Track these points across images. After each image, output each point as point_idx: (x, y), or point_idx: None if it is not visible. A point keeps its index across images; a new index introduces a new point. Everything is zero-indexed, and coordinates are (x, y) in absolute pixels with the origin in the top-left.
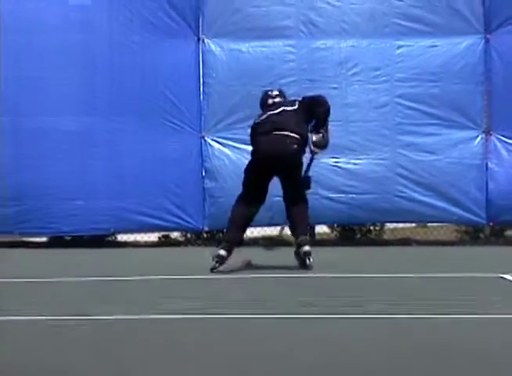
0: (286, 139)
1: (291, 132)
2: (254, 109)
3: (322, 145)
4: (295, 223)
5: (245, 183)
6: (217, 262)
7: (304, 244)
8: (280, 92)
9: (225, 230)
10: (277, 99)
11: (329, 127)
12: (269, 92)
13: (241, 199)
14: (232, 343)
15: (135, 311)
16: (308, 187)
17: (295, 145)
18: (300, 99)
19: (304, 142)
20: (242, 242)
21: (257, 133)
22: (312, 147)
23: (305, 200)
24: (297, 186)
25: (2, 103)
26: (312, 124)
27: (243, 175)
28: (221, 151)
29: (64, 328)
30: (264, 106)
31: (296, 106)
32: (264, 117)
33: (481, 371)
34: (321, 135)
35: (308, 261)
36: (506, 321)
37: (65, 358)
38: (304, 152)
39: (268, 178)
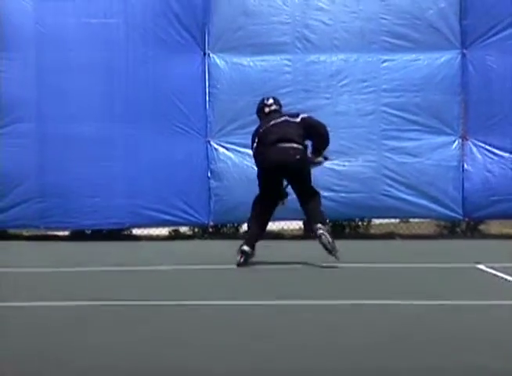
0: (289, 150)
1: (294, 143)
2: (255, 117)
3: (314, 162)
4: (309, 216)
5: (260, 187)
6: (241, 257)
7: (319, 229)
8: (275, 99)
9: (246, 228)
10: (273, 107)
11: (321, 159)
12: (265, 101)
13: (258, 201)
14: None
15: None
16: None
17: (298, 155)
18: (304, 115)
19: (306, 151)
20: (262, 237)
21: (262, 143)
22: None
23: (317, 196)
24: (307, 190)
25: (33, 111)
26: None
27: (244, 176)
28: (224, 154)
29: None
30: (260, 113)
31: (299, 120)
32: (268, 126)
33: (453, 349)
34: (312, 156)
35: (323, 237)
36: (479, 307)
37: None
38: (307, 159)
39: (277, 183)
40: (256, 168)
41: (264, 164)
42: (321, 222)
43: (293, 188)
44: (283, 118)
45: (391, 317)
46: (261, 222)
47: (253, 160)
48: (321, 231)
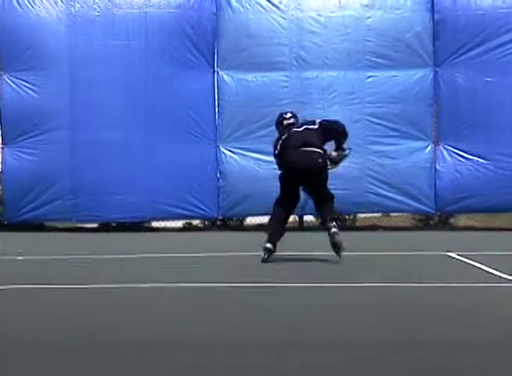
0: (312, 154)
1: (316, 148)
2: (258, 125)
3: (336, 161)
4: (323, 214)
5: (280, 190)
6: (265, 254)
7: (332, 227)
8: (292, 113)
9: (268, 227)
10: (291, 121)
11: (346, 152)
12: (284, 115)
13: (278, 202)
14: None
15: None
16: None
17: (320, 159)
18: (320, 120)
19: (326, 156)
20: (283, 234)
21: (286, 148)
22: (328, 162)
23: (331, 199)
24: (324, 193)
25: (66, 120)
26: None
27: (248, 176)
28: (231, 157)
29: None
30: (279, 126)
31: (316, 126)
32: (289, 133)
33: (429, 323)
34: (337, 154)
35: (335, 237)
36: (450, 288)
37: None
38: (327, 164)
39: (298, 186)
40: (277, 171)
41: (288, 167)
42: (333, 219)
43: (310, 190)
44: (303, 127)
45: (377, 297)
46: (282, 222)
47: (256, 162)
48: (334, 230)
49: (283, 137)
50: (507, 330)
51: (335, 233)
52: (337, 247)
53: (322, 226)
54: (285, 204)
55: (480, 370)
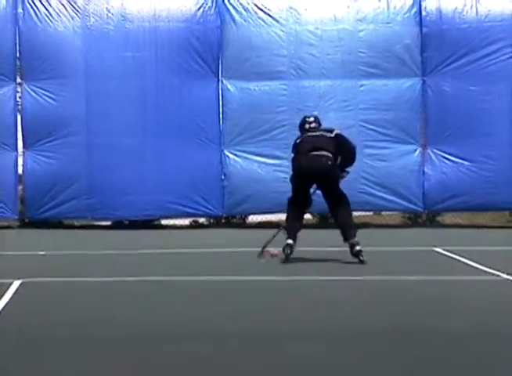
0: (322, 157)
1: (326, 152)
2: (259, 130)
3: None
4: (343, 228)
5: (292, 191)
6: (287, 250)
7: (355, 245)
8: (315, 117)
9: (285, 225)
10: (313, 125)
11: (345, 174)
12: (306, 118)
13: (292, 203)
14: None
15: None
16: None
17: (329, 161)
18: (338, 131)
19: (336, 160)
20: (300, 230)
21: (299, 152)
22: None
23: (347, 204)
24: (337, 194)
25: (83, 126)
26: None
27: (250, 177)
28: (235, 160)
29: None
30: (302, 128)
31: (333, 135)
32: (304, 137)
33: (418, 313)
34: (341, 173)
35: (361, 257)
36: (437, 280)
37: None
38: (337, 166)
39: (309, 187)
40: (290, 173)
41: (299, 170)
42: (354, 236)
43: (323, 194)
44: (319, 132)
45: (369, 289)
46: (297, 220)
47: (257, 164)
48: (358, 248)
49: (298, 141)
50: (486, 320)
51: (359, 251)
52: (360, 260)
53: (345, 241)
54: (297, 204)
55: (463, 359)
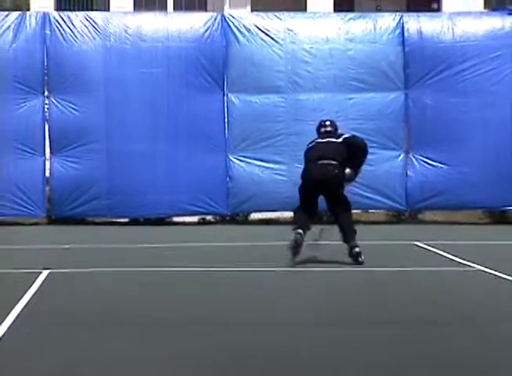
0: (329, 166)
1: (333, 160)
2: (260, 138)
3: (351, 178)
4: (344, 231)
5: (300, 200)
6: (300, 237)
7: (354, 247)
8: (331, 122)
9: (295, 223)
10: (328, 128)
11: (361, 167)
12: (322, 123)
13: (299, 209)
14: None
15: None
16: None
17: (336, 170)
18: (347, 135)
19: (343, 168)
20: (309, 228)
21: (307, 160)
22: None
23: (349, 210)
24: (341, 201)
25: (103, 134)
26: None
27: (252, 179)
28: (238, 164)
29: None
30: (318, 131)
31: (341, 140)
32: (313, 144)
33: (402, 302)
34: (353, 171)
35: (359, 258)
36: (418, 271)
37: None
38: (343, 175)
39: (316, 196)
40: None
41: (307, 178)
42: (354, 239)
43: (327, 200)
44: (327, 139)
45: (356, 280)
46: (307, 218)
47: (258, 168)
48: (357, 250)
49: (309, 146)
50: (462, 307)
51: (358, 253)
52: (359, 263)
53: (345, 243)
54: (304, 211)
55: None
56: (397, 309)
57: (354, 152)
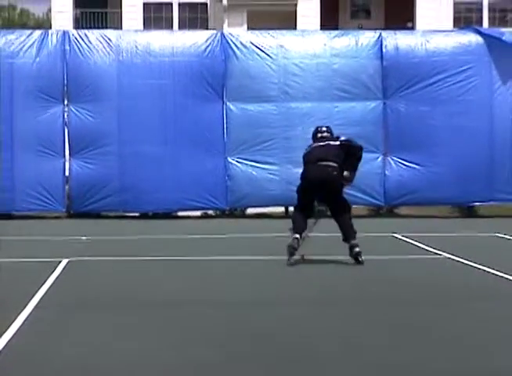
0: (328, 168)
1: (332, 162)
2: (255, 142)
3: (349, 180)
4: (344, 231)
5: (298, 201)
6: (296, 243)
7: (355, 246)
8: (327, 128)
9: (292, 226)
10: (325, 134)
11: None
12: (319, 128)
13: (297, 210)
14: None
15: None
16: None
17: (335, 172)
18: (343, 138)
19: (341, 170)
20: (306, 228)
21: (307, 162)
22: (343, 181)
23: (349, 210)
24: (340, 203)
25: (115, 138)
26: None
27: (248, 178)
28: (236, 165)
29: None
30: (314, 137)
31: (338, 143)
32: (312, 147)
33: (380, 285)
34: (350, 173)
35: (359, 258)
36: (392, 260)
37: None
38: (342, 177)
39: (314, 198)
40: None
41: (306, 179)
42: (353, 237)
43: (327, 201)
44: (325, 142)
45: (339, 267)
46: (304, 219)
47: (253, 168)
48: (357, 250)
49: (307, 150)
50: (433, 289)
51: (358, 253)
52: (358, 261)
53: (345, 242)
54: (302, 211)
55: (413, 318)
56: (374, 290)
57: (351, 154)
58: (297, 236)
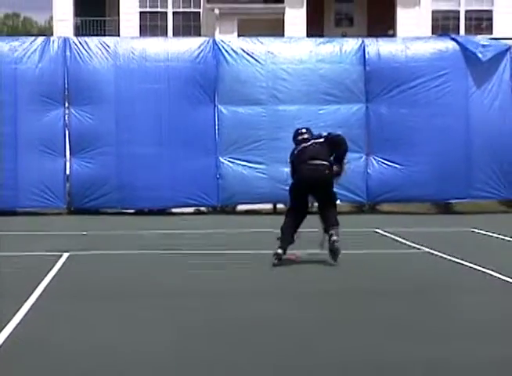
0: (319, 166)
1: (323, 161)
2: (245, 142)
3: (339, 173)
4: (325, 219)
5: (291, 200)
6: (276, 258)
7: (333, 235)
8: (307, 129)
9: (280, 234)
10: (305, 136)
11: (345, 161)
12: (299, 130)
13: (289, 212)
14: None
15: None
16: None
17: (326, 170)
18: (325, 134)
19: (331, 166)
20: (293, 242)
21: (297, 162)
22: (334, 176)
23: (335, 205)
24: (330, 199)
25: (113, 139)
26: (334, 156)
27: (239, 177)
28: (227, 165)
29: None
30: (295, 140)
31: (322, 139)
32: (300, 148)
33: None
34: (339, 166)
35: (335, 245)
36: (374, 254)
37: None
38: (333, 174)
39: (307, 196)
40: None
41: (299, 179)
42: (334, 225)
43: (317, 198)
44: (311, 142)
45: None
46: (292, 231)
47: (243, 167)
48: (335, 238)
49: (295, 152)
50: (411, 281)
51: (335, 241)
52: (334, 253)
53: (325, 232)
54: (294, 213)
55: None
56: (354, 282)
57: (336, 147)
58: (280, 252)
